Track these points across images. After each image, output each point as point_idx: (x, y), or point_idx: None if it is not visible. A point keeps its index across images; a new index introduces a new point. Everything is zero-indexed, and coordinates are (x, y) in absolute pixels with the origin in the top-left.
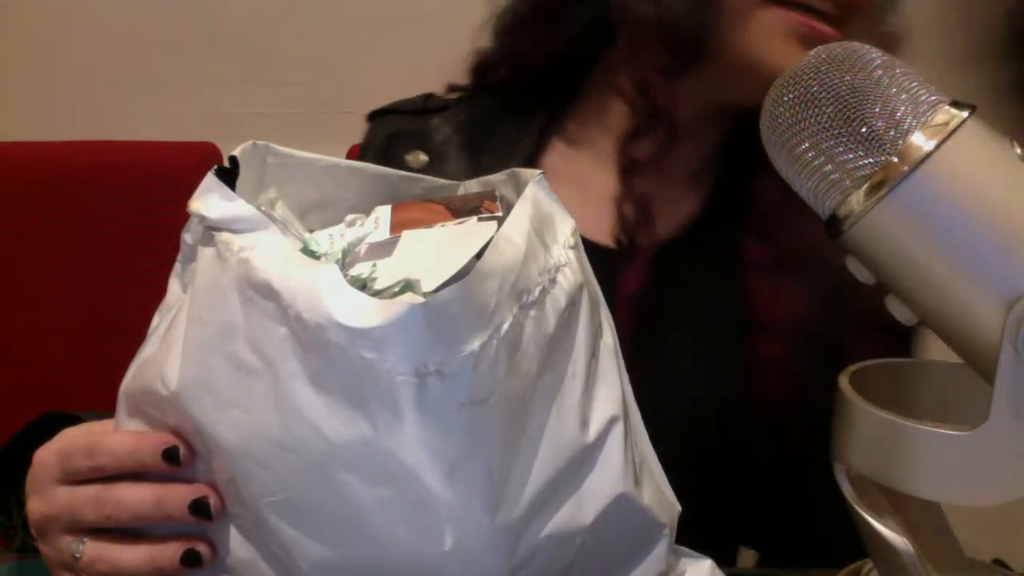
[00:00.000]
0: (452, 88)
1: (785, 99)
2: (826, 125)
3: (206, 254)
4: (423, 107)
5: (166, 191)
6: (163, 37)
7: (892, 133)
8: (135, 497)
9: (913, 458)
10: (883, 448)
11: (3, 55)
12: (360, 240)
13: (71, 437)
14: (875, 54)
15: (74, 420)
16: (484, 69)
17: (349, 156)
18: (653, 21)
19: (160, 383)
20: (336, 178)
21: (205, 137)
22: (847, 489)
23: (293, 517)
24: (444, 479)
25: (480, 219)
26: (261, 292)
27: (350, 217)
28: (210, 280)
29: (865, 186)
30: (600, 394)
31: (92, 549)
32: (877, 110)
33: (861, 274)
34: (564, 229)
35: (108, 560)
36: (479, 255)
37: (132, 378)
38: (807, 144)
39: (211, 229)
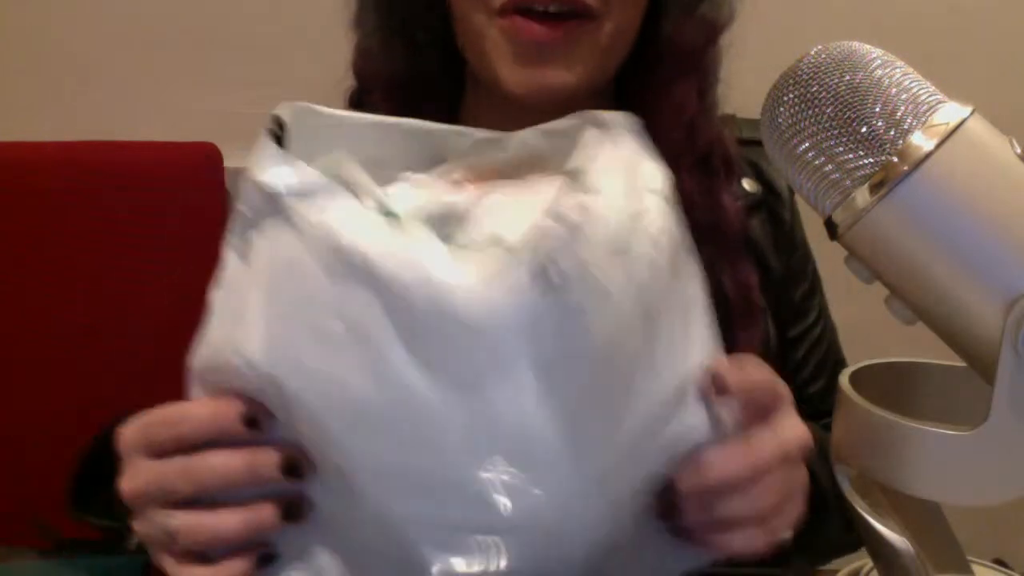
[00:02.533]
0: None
1: (785, 99)
2: (826, 125)
3: (276, 225)
4: None
5: (166, 191)
6: (163, 37)
7: (892, 133)
8: (225, 463)
9: (913, 458)
10: (883, 448)
11: (3, 55)
12: (436, 202)
13: (153, 411)
14: (875, 54)
15: None
16: (358, 100)
17: None
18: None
19: (238, 359)
20: (381, 136)
21: (205, 137)
22: (847, 489)
23: (390, 483)
24: (552, 437)
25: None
26: (351, 263)
27: (408, 175)
28: (285, 252)
29: (865, 186)
30: (692, 343)
31: (185, 520)
32: (877, 110)
33: (861, 274)
34: (654, 175)
35: (206, 528)
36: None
37: (201, 356)
38: (807, 144)
39: (279, 198)
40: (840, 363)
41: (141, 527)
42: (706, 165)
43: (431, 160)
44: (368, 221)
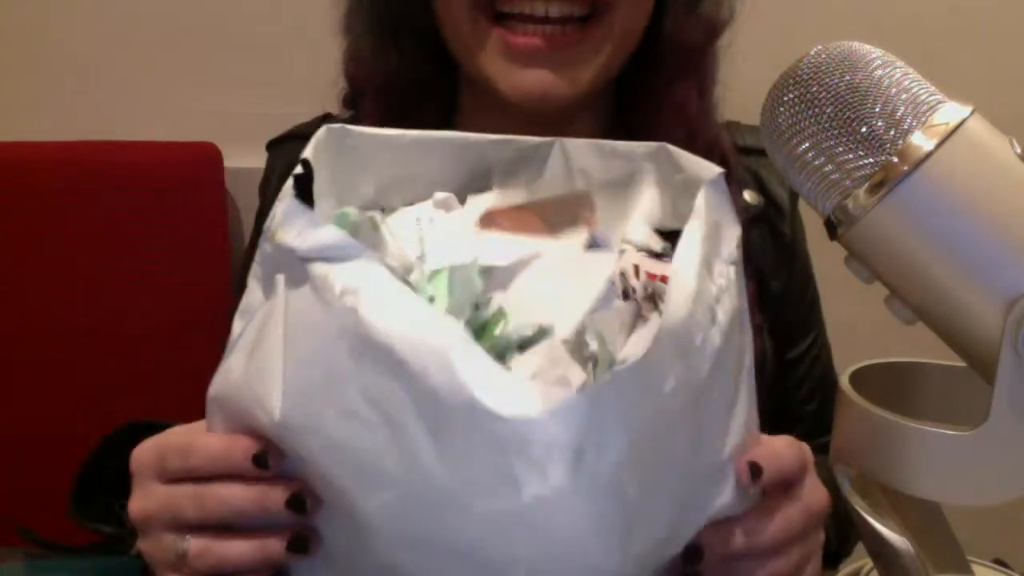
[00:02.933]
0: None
1: (785, 99)
2: (826, 125)
3: (300, 288)
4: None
5: (166, 191)
6: (163, 37)
7: (892, 133)
8: (234, 494)
9: (913, 458)
10: (883, 448)
11: (3, 55)
12: (473, 267)
13: (166, 436)
14: (875, 54)
15: (157, 429)
16: (352, 102)
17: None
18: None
19: (259, 410)
20: (418, 152)
21: (205, 137)
22: (847, 489)
23: (408, 550)
24: (589, 537)
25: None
26: (378, 353)
27: (439, 196)
28: (310, 320)
29: (865, 186)
30: (735, 421)
31: (196, 544)
32: (877, 110)
33: (861, 274)
34: (730, 240)
35: (215, 553)
36: (629, 288)
37: (219, 385)
38: (807, 144)
39: (302, 259)
40: (835, 382)
41: (148, 547)
42: None
43: (470, 173)
44: (399, 306)
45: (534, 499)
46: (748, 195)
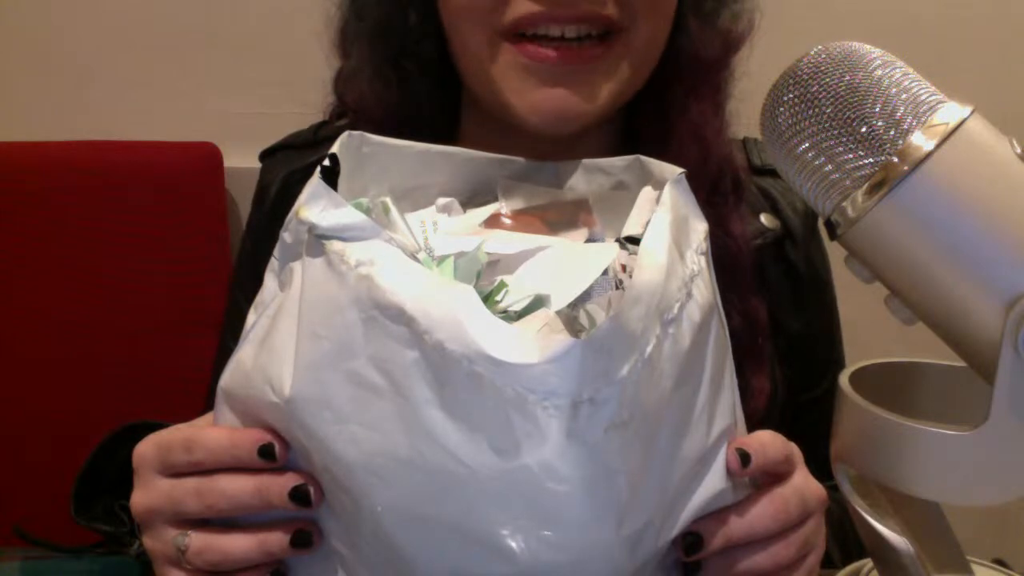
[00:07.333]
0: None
1: (785, 99)
2: (826, 125)
3: (316, 264)
4: (314, 138)
5: (166, 191)
6: (163, 37)
7: (892, 133)
8: (236, 486)
9: (913, 458)
10: (883, 448)
11: (3, 55)
12: (480, 252)
13: (169, 432)
14: (875, 54)
15: (157, 430)
16: (340, 118)
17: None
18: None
19: (270, 390)
20: (426, 163)
21: (205, 137)
22: (847, 489)
23: (410, 528)
24: (583, 500)
25: (590, 240)
26: (389, 314)
27: (441, 201)
28: (323, 293)
29: (865, 186)
30: (721, 404)
31: (198, 540)
32: (877, 110)
33: (861, 274)
34: (698, 233)
35: (216, 549)
36: (619, 281)
37: (230, 377)
38: (807, 144)
39: (320, 237)
40: None
41: (150, 542)
42: (715, 187)
43: (472, 189)
44: (409, 273)
45: (531, 460)
46: (765, 218)
